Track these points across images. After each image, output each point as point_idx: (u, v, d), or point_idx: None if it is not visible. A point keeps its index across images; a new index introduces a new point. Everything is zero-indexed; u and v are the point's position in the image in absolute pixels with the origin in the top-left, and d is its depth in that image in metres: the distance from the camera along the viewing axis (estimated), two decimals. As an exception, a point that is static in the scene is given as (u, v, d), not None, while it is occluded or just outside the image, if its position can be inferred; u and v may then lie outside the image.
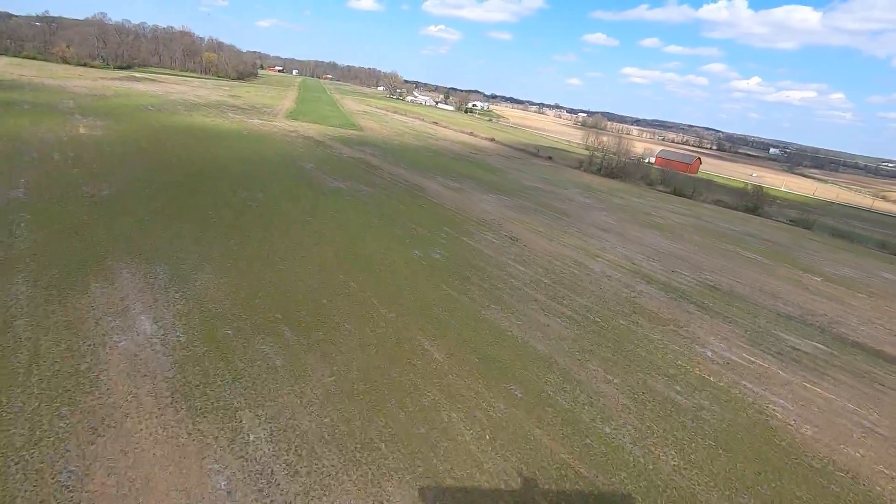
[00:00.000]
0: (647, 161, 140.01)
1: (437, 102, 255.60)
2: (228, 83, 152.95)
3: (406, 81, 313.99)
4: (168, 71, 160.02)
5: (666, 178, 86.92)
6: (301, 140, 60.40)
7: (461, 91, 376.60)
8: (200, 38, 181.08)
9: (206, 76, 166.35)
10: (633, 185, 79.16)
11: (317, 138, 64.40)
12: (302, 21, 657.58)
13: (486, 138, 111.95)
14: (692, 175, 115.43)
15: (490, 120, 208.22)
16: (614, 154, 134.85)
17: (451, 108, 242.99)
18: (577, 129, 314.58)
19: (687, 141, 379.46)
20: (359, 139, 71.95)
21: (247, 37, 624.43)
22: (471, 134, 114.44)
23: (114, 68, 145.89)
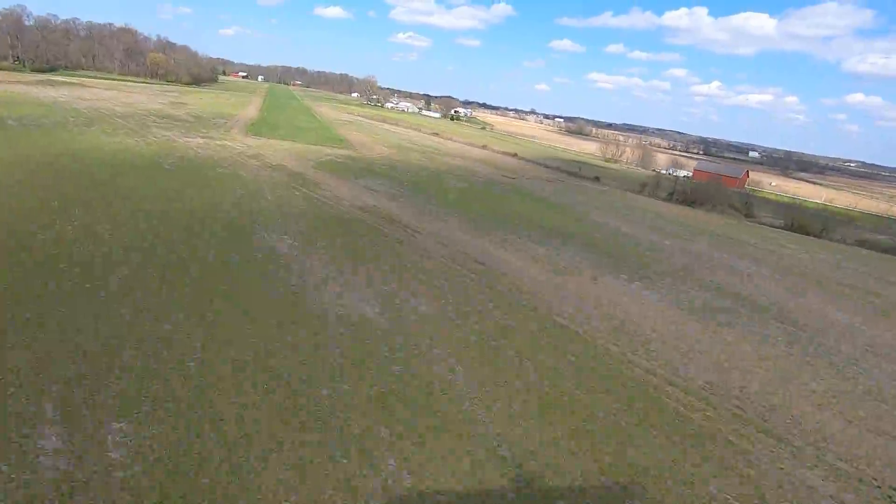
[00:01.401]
0: (682, 175, 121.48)
1: (419, 109, 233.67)
2: (178, 89, 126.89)
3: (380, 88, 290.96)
4: (104, 75, 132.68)
5: (749, 203, 67.23)
6: (267, 173, 37.07)
7: (436, 97, 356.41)
8: (146, 36, 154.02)
9: (152, 80, 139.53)
10: (728, 216, 58.72)
11: (292, 167, 41.18)
12: (268, 29, 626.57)
13: (502, 152, 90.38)
14: (741, 190, 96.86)
15: (483, 128, 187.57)
16: (637, 165, 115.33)
17: (436, 115, 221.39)
18: (565, 135, 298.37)
19: (674, 146, 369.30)
20: (355, 164, 48.99)
21: (211, 46, 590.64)
22: (483, 147, 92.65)
23: (30, 70, 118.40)
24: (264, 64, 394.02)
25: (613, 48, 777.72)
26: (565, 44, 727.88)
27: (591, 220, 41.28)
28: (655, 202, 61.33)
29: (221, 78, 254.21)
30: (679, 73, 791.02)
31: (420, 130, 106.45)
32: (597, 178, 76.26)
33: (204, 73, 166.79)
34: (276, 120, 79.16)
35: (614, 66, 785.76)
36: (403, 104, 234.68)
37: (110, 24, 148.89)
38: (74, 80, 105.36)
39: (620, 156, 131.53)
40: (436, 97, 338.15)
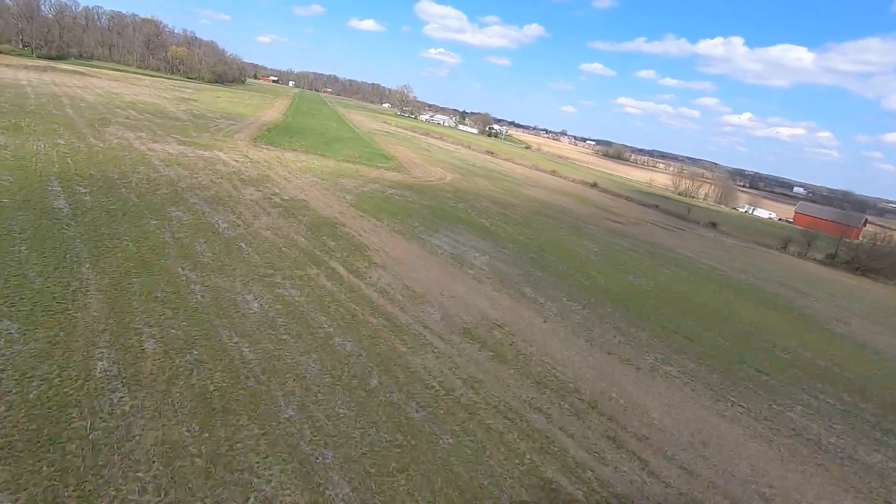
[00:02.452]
0: (769, 217, 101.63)
1: (456, 123, 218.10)
2: (197, 86, 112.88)
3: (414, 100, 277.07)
4: (117, 66, 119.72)
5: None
6: (270, 221, 19.67)
7: (470, 113, 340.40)
8: (171, 29, 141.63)
9: (171, 76, 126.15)
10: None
11: (318, 205, 23.86)
12: (302, 38, 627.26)
13: (577, 181, 72.29)
14: (856, 241, 76.90)
15: (527, 148, 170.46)
16: (717, 202, 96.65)
17: (472, 130, 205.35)
18: (604, 159, 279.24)
19: (714, 176, 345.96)
20: (415, 199, 31.50)
21: (247, 52, 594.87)
22: (553, 173, 74.76)
23: (36, 57, 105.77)
24: (296, 70, 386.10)
25: (644, 73, 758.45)
26: (595, 67, 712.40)
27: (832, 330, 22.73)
28: (817, 267, 42.39)
29: (251, 81, 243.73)
30: (709, 101, 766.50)
31: (471, 148, 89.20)
32: (713, 225, 57.54)
33: (230, 72, 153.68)
34: (301, 125, 62.86)
35: (644, 92, 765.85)
36: (439, 117, 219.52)
37: (134, 15, 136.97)
38: (82, 68, 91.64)
39: (696, 190, 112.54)
40: (470, 113, 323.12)
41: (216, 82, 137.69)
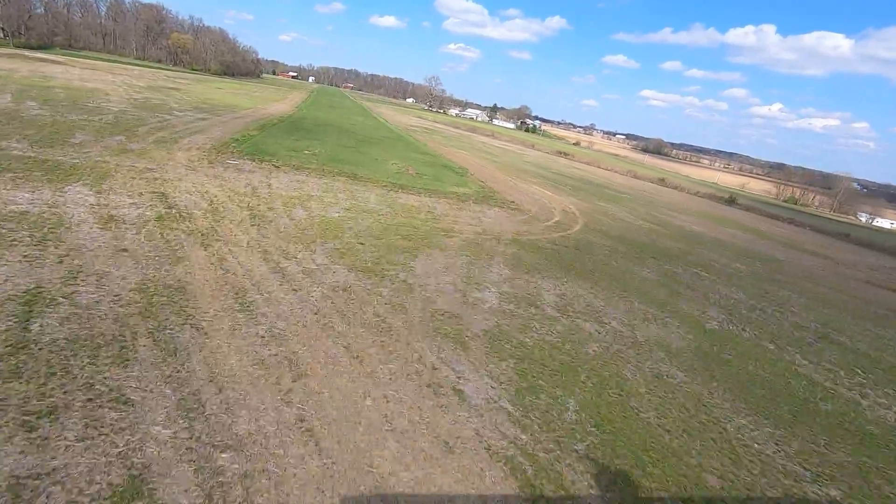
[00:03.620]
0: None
1: (490, 118, 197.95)
2: (200, 77, 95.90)
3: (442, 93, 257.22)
4: (113, 57, 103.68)
5: None
6: None
7: (499, 108, 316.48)
8: (176, 16, 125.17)
9: (173, 67, 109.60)
10: None
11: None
12: (324, 36, 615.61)
13: (698, 193, 51.86)
14: None
15: (576, 144, 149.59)
16: (834, 211, 75.45)
17: (510, 125, 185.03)
18: (645, 155, 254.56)
19: (769, 173, 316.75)
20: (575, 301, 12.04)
21: (270, 50, 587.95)
22: (661, 181, 54.57)
23: (14, 46, 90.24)
24: (316, 65, 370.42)
25: (670, 65, 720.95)
26: (619, 59, 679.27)
27: None
28: None
29: (269, 77, 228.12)
30: (738, 92, 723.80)
31: (535, 148, 69.41)
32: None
33: (242, 65, 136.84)
34: (319, 120, 44.44)
35: (669, 84, 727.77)
36: (471, 111, 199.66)
37: (135, 1, 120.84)
38: (60, 58, 75.21)
39: (808, 198, 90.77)
40: (499, 108, 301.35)
41: (225, 74, 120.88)
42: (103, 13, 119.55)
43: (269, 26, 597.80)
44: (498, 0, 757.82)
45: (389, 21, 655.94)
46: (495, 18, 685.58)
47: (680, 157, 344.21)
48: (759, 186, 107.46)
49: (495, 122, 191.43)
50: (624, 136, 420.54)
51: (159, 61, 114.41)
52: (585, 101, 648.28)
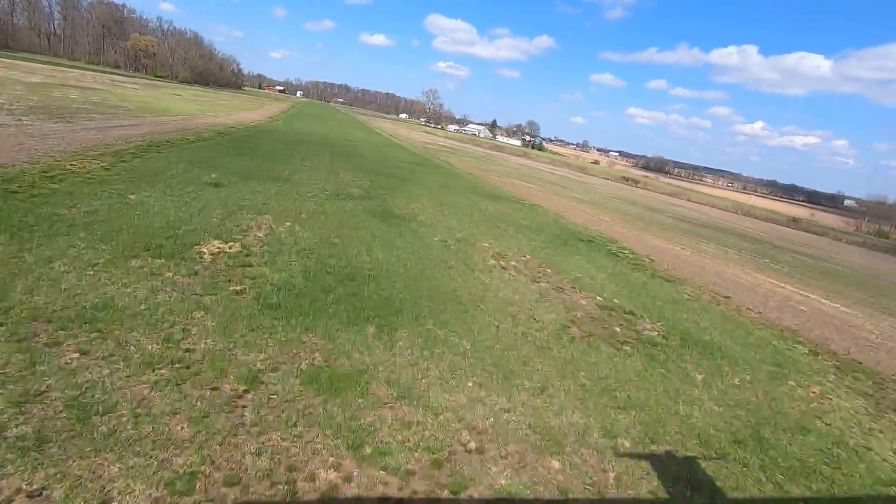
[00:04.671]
0: None
1: (494, 135, 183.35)
2: (158, 84, 78.90)
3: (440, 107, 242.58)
4: (57, 60, 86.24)
5: None
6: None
7: (494, 124, 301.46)
8: (141, 17, 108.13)
9: (133, 73, 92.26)
10: None
11: None
12: (314, 52, 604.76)
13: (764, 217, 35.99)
14: None
15: (595, 163, 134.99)
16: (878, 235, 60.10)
17: (516, 142, 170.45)
18: (647, 172, 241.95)
19: (771, 192, 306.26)
20: None
21: (258, 65, 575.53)
22: (794, 222, 38.55)
23: (-77, 44, 73.00)
24: (305, 79, 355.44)
25: (656, 84, 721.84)
26: (606, 77, 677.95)
27: None
28: None
29: (253, 90, 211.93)
30: (722, 111, 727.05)
31: (588, 172, 53.49)
32: None
33: (218, 74, 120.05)
34: (301, 134, 28.16)
35: (655, 102, 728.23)
36: (473, 127, 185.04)
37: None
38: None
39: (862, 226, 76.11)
40: (491, 124, 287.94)
41: (198, 83, 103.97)
42: (55, 13, 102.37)
43: (261, 43, 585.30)
44: (487, 19, 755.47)
45: (379, 39, 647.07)
46: (484, 38, 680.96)
47: (682, 175, 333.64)
48: (787, 209, 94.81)
49: (499, 138, 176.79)
50: (617, 153, 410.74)
51: (117, 67, 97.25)
52: (574, 118, 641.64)
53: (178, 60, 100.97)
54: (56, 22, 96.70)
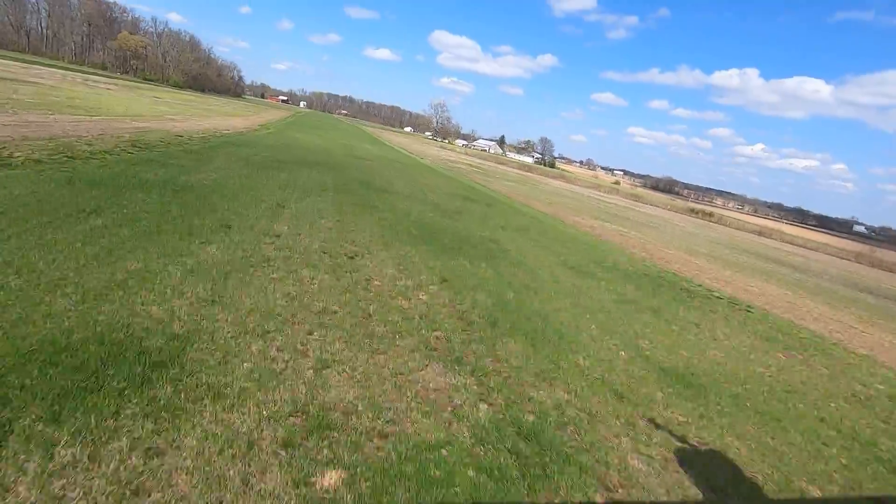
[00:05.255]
0: None
1: (504, 151, 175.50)
2: (140, 86, 70.55)
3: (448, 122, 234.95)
4: (34, 59, 77.99)
5: None
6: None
7: (499, 140, 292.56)
8: (133, 15, 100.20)
9: (121, 76, 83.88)
10: None
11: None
12: (319, 65, 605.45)
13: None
14: None
15: (616, 183, 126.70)
16: None
17: (528, 159, 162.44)
18: (655, 192, 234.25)
19: (756, 211, 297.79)
20: None
21: (263, 76, 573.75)
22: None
23: None
24: (308, 90, 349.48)
25: (657, 104, 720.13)
26: (607, 97, 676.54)
27: None
28: None
29: (255, 99, 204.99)
30: (723, 132, 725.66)
31: (642, 201, 44.60)
32: None
33: (216, 79, 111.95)
34: (295, 147, 19.43)
35: (656, 122, 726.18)
36: (483, 142, 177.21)
37: None
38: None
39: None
40: (496, 139, 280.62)
41: (192, 88, 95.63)
42: (42, 9, 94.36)
43: (265, 54, 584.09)
44: (491, 36, 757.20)
45: (384, 53, 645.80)
46: (488, 54, 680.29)
47: (692, 196, 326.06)
48: (812, 237, 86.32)
49: (510, 154, 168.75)
50: (622, 172, 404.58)
51: (104, 68, 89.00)
52: (574, 136, 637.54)
53: (172, 63, 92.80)
54: (40, 19, 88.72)
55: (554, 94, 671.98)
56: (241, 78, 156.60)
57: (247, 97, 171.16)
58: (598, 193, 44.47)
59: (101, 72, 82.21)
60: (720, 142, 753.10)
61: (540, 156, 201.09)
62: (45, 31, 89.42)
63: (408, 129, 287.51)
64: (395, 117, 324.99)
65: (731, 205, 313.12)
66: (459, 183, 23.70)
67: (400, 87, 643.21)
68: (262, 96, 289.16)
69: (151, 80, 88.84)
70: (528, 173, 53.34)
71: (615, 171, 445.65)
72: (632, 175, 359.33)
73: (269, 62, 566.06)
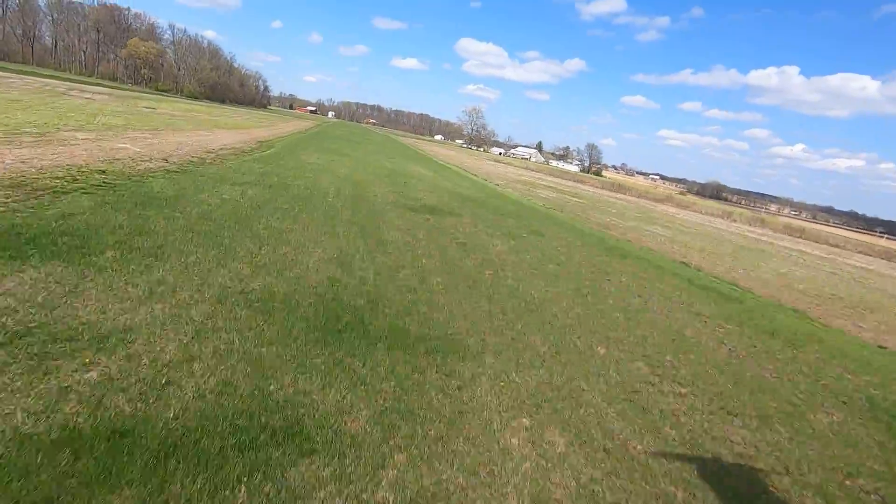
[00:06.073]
0: None
1: (546, 159, 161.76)
2: (142, 95, 61.09)
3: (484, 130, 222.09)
4: (36, 70, 70.02)
5: None
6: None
7: (529, 147, 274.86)
8: (151, 21, 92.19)
9: (132, 87, 75.13)
10: None
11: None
12: (346, 76, 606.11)
13: None
14: None
15: (684, 195, 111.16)
16: None
17: (573, 167, 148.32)
18: (704, 200, 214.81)
19: (825, 218, 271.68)
20: None
21: (294, 88, 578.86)
22: None
23: None
24: (337, 100, 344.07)
25: (689, 105, 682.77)
26: (638, 100, 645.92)
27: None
28: None
29: (282, 110, 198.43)
30: (760, 133, 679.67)
31: (777, 230, 30.57)
32: None
33: (237, 89, 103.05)
34: (298, 171, 7.60)
35: (688, 124, 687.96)
36: (522, 149, 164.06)
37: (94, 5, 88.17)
38: None
39: None
40: (528, 147, 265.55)
41: (209, 99, 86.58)
42: (46, 17, 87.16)
43: (296, 67, 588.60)
44: (518, 42, 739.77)
45: (411, 63, 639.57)
46: (515, 60, 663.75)
47: (742, 202, 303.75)
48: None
49: (552, 163, 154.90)
50: (657, 176, 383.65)
51: (115, 79, 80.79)
52: (604, 140, 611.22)
53: (187, 72, 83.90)
54: (45, 27, 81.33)
55: (582, 98, 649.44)
56: (266, 88, 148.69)
57: (272, 108, 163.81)
58: (724, 223, 30.70)
59: (106, 82, 73.72)
60: (757, 143, 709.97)
61: (581, 163, 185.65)
62: (55, 39, 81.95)
63: (438, 137, 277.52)
64: (423, 125, 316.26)
65: (786, 210, 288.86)
66: (650, 263, 11.23)
67: (427, 96, 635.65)
68: (291, 107, 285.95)
69: (164, 91, 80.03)
70: (600, 190, 40.30)
71: (650, 176, 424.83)
72: (667, 179, 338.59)
73: (301, 75, 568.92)
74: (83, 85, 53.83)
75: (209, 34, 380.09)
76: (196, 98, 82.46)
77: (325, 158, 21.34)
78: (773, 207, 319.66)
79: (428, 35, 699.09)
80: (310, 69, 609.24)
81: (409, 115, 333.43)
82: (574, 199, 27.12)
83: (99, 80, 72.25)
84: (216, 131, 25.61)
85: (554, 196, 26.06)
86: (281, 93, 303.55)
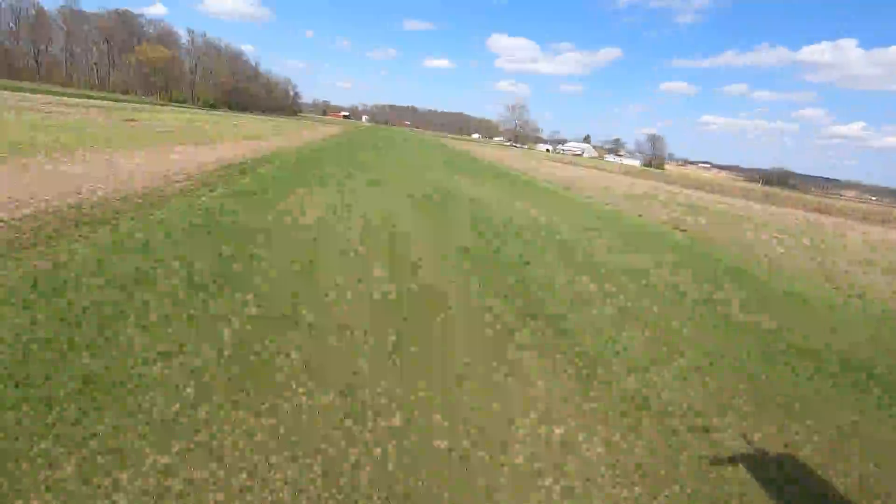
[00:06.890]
0: None
1: (602, 155, 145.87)
2: (143, 107, 51.73)
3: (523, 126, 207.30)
4: (38, 87, 62.60)
5: None
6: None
7: (578, 141, 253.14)
8: (168, 28, 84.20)
9: (143, 99, 66.64)
10: None
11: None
12: (377, 81, 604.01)
13: None
14: None
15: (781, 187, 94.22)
16: None
17: (635, 162, 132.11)
18: (772, 188, 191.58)
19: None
20: None
21: (327, 94, 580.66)
22: None
23: None
24: (370, 104, 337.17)
25: (734, 88, 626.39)
26: (678, 86, 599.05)
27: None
28: None
29: (315, 116, 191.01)
30: (812, 112, 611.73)
31: None
32: None
33: (262, 96, 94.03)
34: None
35: (732, 108, 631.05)
36: (573, 145, 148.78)
37: (103, 14, 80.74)
38: None
39: None
40: (576, 140, 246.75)
41: (229, 108, 77.58)
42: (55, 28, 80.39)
43: (329, 74, 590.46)
44: (549, 35, 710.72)
45: (442, 63, 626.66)
46: (547, 53, 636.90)
47: (812, 190, 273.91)
48: None
49: (608, 158, 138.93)
50: (709, 165, 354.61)
51: (126, 91, 72.95)
52: (643, 129, 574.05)
53: (203, 79, 75.03)
54: (51, 39, 74.32)
55: (617, 88, 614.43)
56: (296, 94, 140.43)
57: (304, 115, 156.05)
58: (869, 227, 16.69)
59: (115, 95, 65.50)
60: (809, 123, 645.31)
61: (641, 156, 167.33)
62: (67, 53, 74.94)
63: (475, 135, 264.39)
64: (459, 124, 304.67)
65: (865, 196, 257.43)
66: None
67: (459, 94, 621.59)
68: (325, 113, 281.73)
69: (178, 102, 71.34)
70: (724, 198, 26.35)
71: (700, 164, 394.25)
72: (714, 167, 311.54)
73: (333, 81, 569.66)
74: (66, 98, 44.65)
75: (248, 48, 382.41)
76: (213, 107, 73.41)
77: (339, 191, 9.35)
78: (851, 193, 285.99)
79: (458, 33, 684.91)
80: (341, 76, 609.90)
81: (444, 115, 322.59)
82: (744, 222, 13.97)
83: (91, 93, 63.95)
84: (216, 146, 14.41)
85: (672, 215, 13.14)
86: (314, 100, 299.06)
